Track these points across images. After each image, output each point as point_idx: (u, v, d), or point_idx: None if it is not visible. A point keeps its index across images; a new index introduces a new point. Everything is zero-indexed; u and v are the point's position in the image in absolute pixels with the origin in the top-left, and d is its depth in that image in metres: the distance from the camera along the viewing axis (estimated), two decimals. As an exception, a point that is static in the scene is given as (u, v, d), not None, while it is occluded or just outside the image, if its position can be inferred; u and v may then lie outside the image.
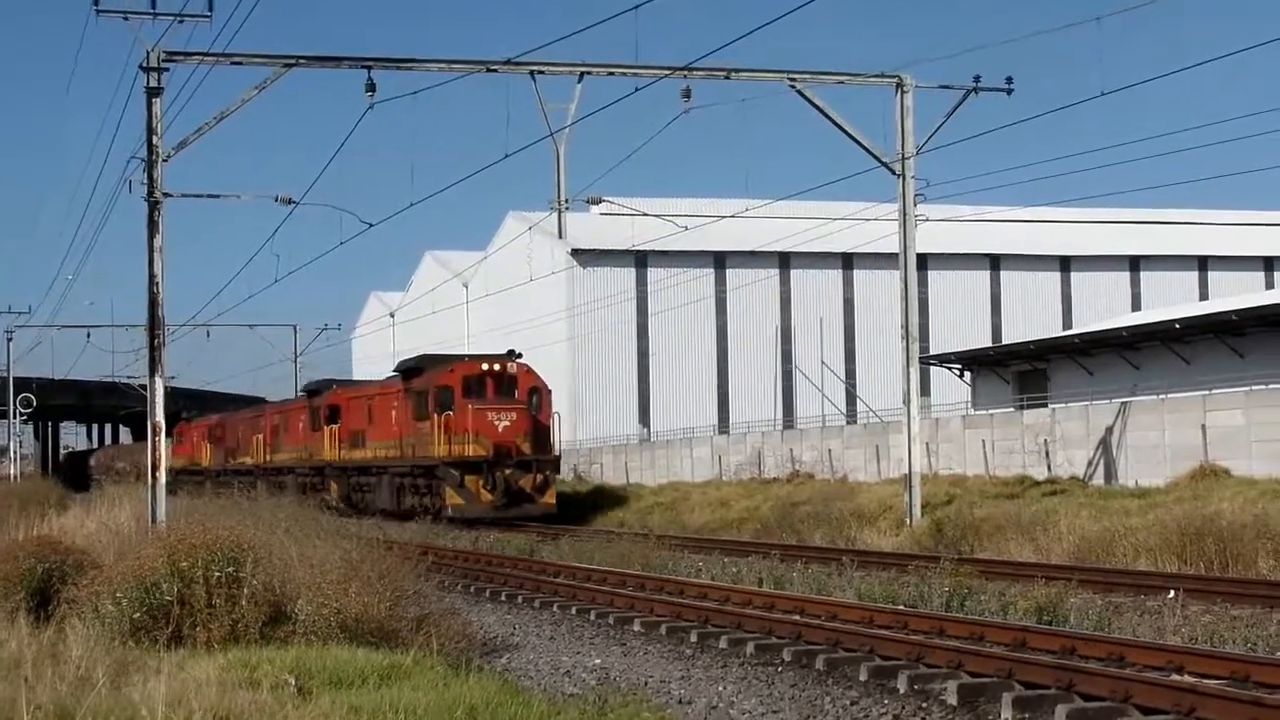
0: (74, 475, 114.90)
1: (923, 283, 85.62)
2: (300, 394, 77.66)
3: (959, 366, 67.59)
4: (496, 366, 53.98)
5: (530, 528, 50.61)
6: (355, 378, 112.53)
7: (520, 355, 55.67)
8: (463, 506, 51.48)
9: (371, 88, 37.16)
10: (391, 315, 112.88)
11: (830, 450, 59.57)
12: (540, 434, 53.88)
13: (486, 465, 51.83)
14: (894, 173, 40.75)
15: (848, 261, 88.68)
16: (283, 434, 75.97)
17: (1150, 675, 15.16)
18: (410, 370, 58.44)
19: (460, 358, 57.58)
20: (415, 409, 55.11)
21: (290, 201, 43.54)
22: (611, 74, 39.27)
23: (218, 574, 17.74)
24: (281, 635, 17.71)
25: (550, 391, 56.19)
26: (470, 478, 51.75)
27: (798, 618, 21.55)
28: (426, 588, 21.47)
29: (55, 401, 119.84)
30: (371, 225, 44.84)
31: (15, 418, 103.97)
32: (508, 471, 51.84)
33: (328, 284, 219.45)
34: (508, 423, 52.51)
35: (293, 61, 37.61)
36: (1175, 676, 15.15)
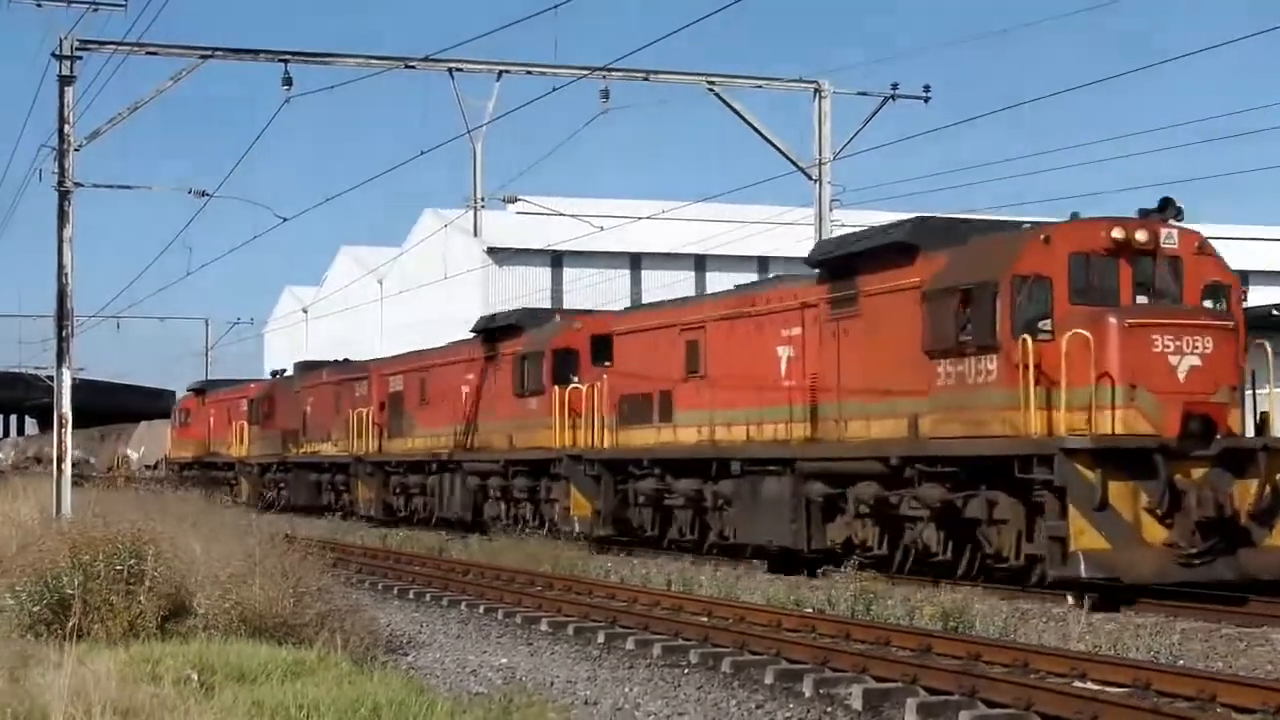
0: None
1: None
2: (472, 336, 46.04)
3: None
4: (1141, 235, 24.56)
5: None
6: (266, 376, 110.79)
7: (1179, 212, 25.36)
8: (1109, 558, 22.46)
9: (288, 81, 37.00)
10: (305, 310, 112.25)
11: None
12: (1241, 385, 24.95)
13: (1162, 457, 22.90)
14: (810, 178, 40.85)
15: (763, 265, 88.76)
16: (416, 405, 48.42)
17: (1053, 682, 15.24)
18: (890, 251, 27.41)
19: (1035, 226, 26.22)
20: (943, 323, 25.53)
21: (204, 194, 43.30)
22: (530, 73, 39.23)
23: (119, 567, 17.59)
24: (184, 630, 17.58)
25: (1244, 291, 27.47)
26: (1120, 486, 22.69)
27: (705, 620, 21.55)
28: (333, 584, 21.35)
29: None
30: (286, 219, 44.67)
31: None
32: (1199, 474, 23.10)
33: (241, 278, 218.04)
34: (1196, 360, 23.61)
35: (209, 53, 37.39)
36: (1078, 684, 15.22)
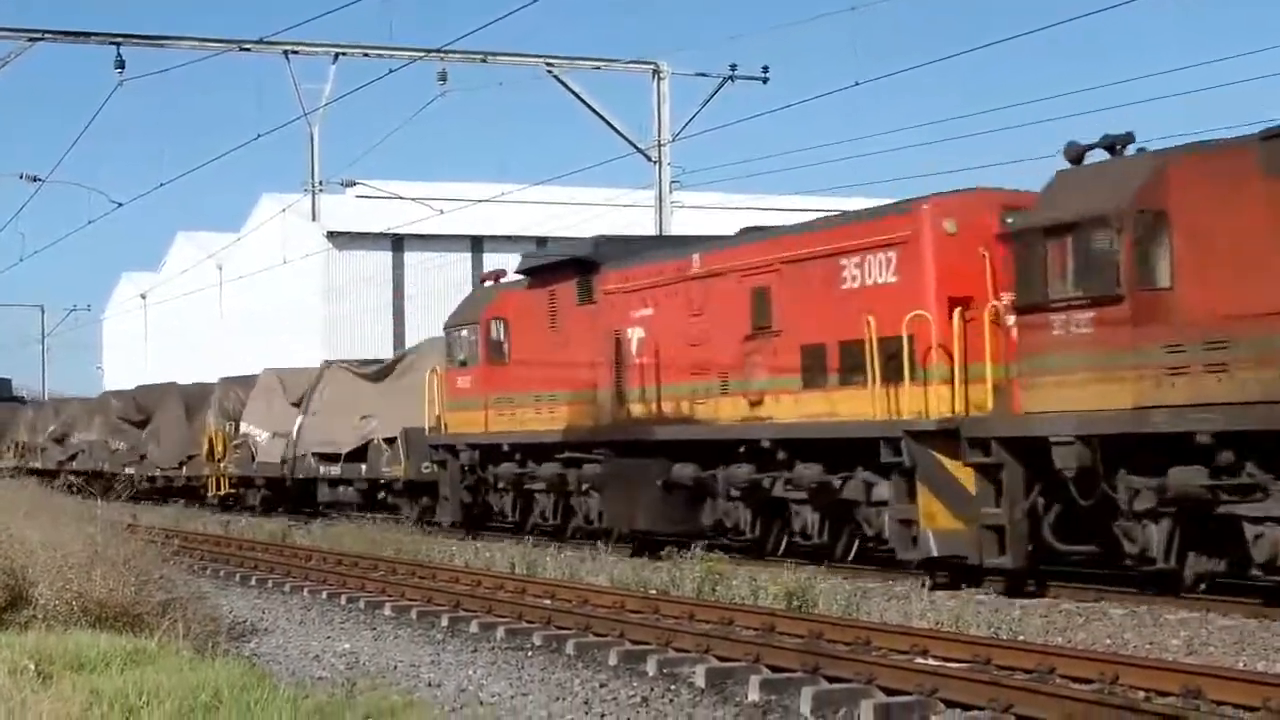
0: None
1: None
2: None
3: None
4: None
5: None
6: (104, 364, 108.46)
7: None
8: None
9: (121, 64, 36.59)
10: (143, 297, 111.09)
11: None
12: None
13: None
14: (650, 159, 40.97)
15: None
16: None
17: (895, 659, 15.37)
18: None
19: None
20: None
21: (36, 179, 42.80)
22: (366, 55, 39.08)
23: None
24: (23, 620, 17.37)
25: None
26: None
27: (549, 602, 21.57)
28: (175, 572, 21.15)
29: None
30: (121, 205, 44.32)
31: None
32: None
33: (77, 264, 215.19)
34: None
35: (38, 35, 36.89)
36: (919, 660, 15.37)
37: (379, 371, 43.51)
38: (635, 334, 29.72)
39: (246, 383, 51.48)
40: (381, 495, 41.14)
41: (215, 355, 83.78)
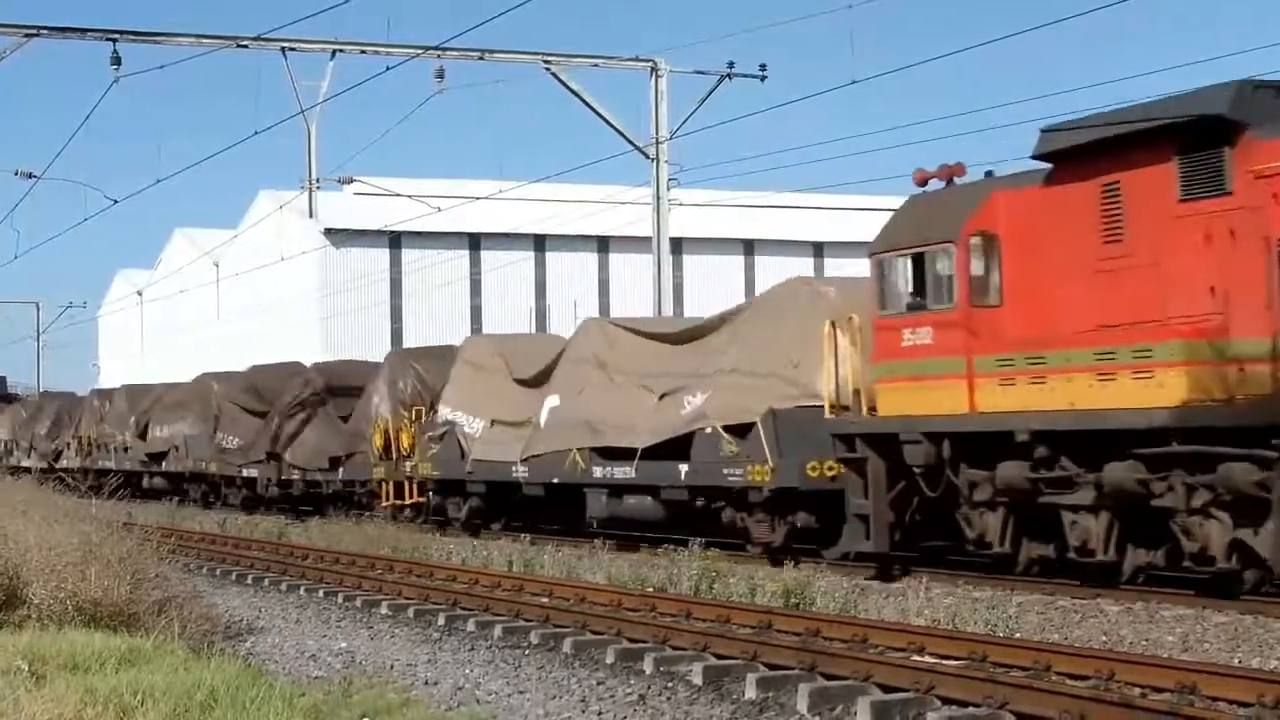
0: None
1: (677, 266, 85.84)
2: None
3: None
4: None
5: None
6: (99, 361, 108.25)
7: None
8: None
9: (117, 60, 36.59)
10: (139, 294, 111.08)
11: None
12: None
13: None
14: (648, 157, 40.96)
15: (603, 244, 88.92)
16: None
17: (892, 656, 15.37)
18: None
19: None
20: None
21: (31, 176, 42.81)
22: (364, 52, 39.12)
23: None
24: (17, 620, 17.34)
25: None
26: None
27: (546, 600, 21.56)
28: (170, 570, 21.13)
29: None
30: (116, 201, 44.37)
31: None
32: None
33: (72, 261, 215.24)
34: None
35: (34, 32, 36.89)
36: (916, 657, 15.36)
37: (689, 331, 30.22)
38: None
39: (433, 357, 40.09)
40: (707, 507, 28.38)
41: (211, 352, 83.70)
